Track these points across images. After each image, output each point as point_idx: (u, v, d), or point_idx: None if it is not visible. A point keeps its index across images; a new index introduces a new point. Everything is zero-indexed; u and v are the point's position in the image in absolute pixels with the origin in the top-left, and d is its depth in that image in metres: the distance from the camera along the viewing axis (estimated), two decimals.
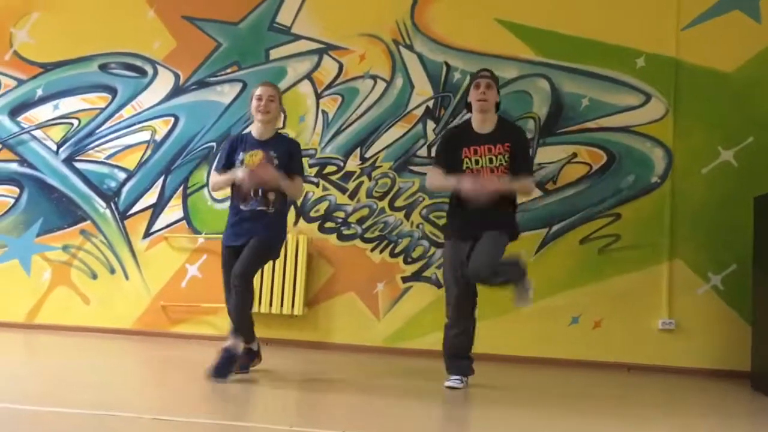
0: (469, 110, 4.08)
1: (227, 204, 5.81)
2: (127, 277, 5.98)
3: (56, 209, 6.15)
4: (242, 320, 3.83)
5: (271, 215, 3.92)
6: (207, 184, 5.93)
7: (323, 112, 5.88)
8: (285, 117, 4.26)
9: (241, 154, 3.95)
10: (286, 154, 3.98)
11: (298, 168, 4.07)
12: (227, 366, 3.71)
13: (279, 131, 4.14)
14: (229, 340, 3.80)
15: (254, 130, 4.05)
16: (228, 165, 3.99)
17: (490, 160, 3.80)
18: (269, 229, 3.91)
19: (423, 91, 5.78)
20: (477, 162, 3.82)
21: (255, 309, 5.55)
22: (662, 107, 5.48)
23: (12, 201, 6.22)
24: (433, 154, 5.66)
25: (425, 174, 5.63)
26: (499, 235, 3.81)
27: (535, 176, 4.04)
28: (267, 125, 4.01)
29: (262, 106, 3.96)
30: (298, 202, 5.73)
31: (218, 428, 2.68)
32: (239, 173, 3.86)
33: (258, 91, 4.02)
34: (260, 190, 3.88)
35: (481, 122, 3.91)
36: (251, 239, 3.85)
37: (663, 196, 5.41)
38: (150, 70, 6.17)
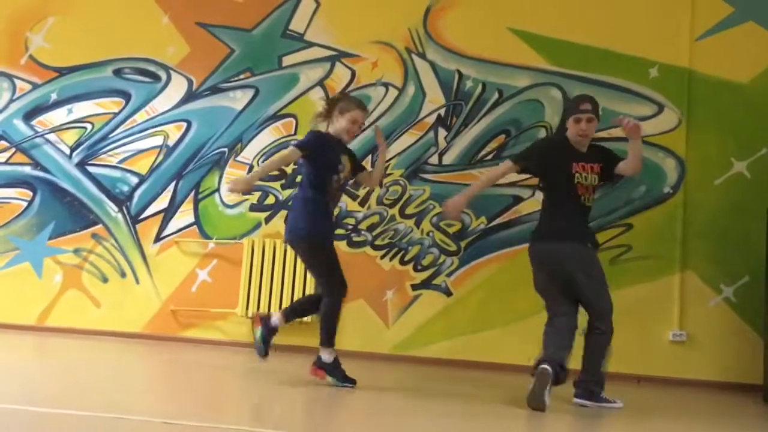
0: (563, 132, 4.11)
1: (238, 209, 5.93)
2: (137, 281, 6.00)
3: (68, 213, 6.18)
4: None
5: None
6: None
7: None
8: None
9: (342, 156, 4.01)
10: (355, 159, 4.21)
11: (362, 166, 4.37)
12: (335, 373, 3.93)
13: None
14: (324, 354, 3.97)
15: (339, 138, 4.04)
16: (313, 157, 3.92)
17: (594, 180, 3.93)
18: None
19: (435, 99, 5.79)
20: (586, 179, 3.92)
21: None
22: (675, 117, 5.46)
23: (25, 204, 6.26)
24: (445, 162, 5.69)
25: (436, 182, 5.68)
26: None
27: None
28: (349, 140, 4.11)
29: (353, 131, 4.03)
30: None
31: None
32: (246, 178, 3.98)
33: (357, 116, 4.00)
34: (341, 195, 4.15)
35: (580, 145, 3.99)
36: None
37: (675, 207, 5.38)
38: (163, 76, 6.21)
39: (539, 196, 5.48)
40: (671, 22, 5.54)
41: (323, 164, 3.93)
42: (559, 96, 5.61)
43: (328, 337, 3.91)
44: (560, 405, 3.94)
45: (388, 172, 5.75)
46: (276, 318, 3.97)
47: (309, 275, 5.53)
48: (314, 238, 3.92)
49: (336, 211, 5.70)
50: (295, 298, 5.57)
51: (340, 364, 3.90)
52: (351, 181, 4.30)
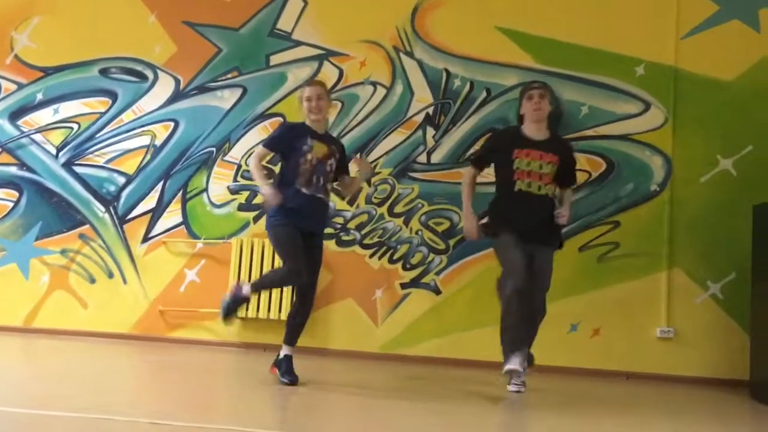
0: (521, 122, 4.25)
1: (226, 209, 5.91)
2: (125, 282, 5.98)
3: (55, 213, 6.15)
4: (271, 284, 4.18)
5: (326, 205, 4.07)
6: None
7: None
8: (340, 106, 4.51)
9: (309, 138, 3.95)
10: (342, 152, 4.17)
11: (347, 166, 4.30)
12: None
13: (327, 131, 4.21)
14: (284, 350, 3.98)
15: (311, 126, 4.04)
16: (286, 149, 3.97)
17: (540, 167, 3.94)
18: (325, 221, 4.16)
19: (423, 98, 5.79)
20: (528, 165, 3.95)
21: (252, 315, 5.58)
22: (661, 115, 5.50)
23: (11, 204, 6.22)
24: (433, 160, 5.70)
25: (424, 180, 5.69)
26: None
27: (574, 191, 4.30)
28: (321, 123, 4.05)
29: (314, 107, 3.99)
30: None
31: None
32: (265, 189, 3.86)
33: (306, 93, 4.02)
34: (323, 179, 3.97)
35: (536, 131, 4.06)
36: (314, 240, 3.98)
37: (662, 205, 5.41)
38: (150, 75, 6.18)
39: None
40: (657, 21, 5.57)
41: (289, 152, 3.97)
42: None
43: (259, 282, 4.10)
44: (547, 402, 3.95)
45: (377, 171, 5.75)
46: (246, 288, 3.96)
47: None
48: (272, 222, 3.93)
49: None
50: (284, 298, 5.57)
51: (246, 300, 3.99)
52: (330, 167, 4.05)
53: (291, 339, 3.99)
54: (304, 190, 3.93)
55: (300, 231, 3.89)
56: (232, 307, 3.95)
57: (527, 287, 3.82)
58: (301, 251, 3.85)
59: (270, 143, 4.03)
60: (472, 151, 5.60)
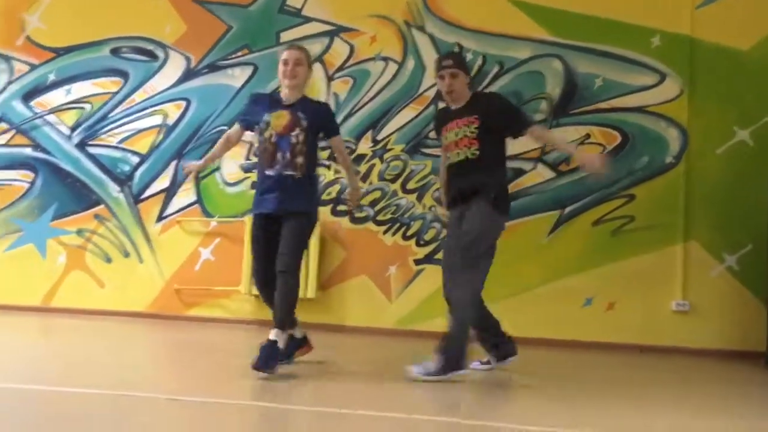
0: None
1: (239, 187, 5.92)
2: (141, 261, 6.02)
3: (70, 193, 6.19)
4: (289, 308, 3.56)
5: (299, 180, 3.64)
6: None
7: (334, 94, 5.86)
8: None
9: (265, 114, 3.70)
10: (317, 115, 3.76)
11: (335, 128, 3.92)
12: (272, 358, 3.36)
13: (306, 96, 3.86)
14: (271, 334, 3.44)
15: (282, 93, 3.79)
16: (249, 123, 3.81)
17: (456, 134, 3.74)
18: (298, 198, 3.63)
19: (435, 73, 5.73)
20: (447, 138, 3.80)
21: None
22: (677, 87, 5.42)
23: (27, 186, 6.26)
24: None
25: (437, 156, 5.65)
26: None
27: (536, 123, 3.97)
28: (294, 90, 3.74)
29: (288, 71, 3.71)
30: None
31: (232, 408, 2.70)
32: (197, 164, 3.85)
33: (284, 55, 3.76)
34: (287, 153, 3.62)
35: (456, 102, 3.84)
36: (286, 221, 3.60)
37: (677, 177, 5.36)
38: (161, 54, 6.17)
39: (541, 168, 5.53)
40: None
41: (254, 129, 3.80)
42: (561, 67, 5.57)
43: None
44: (562, 375, 3.96)
45: (389, 147, 5.73)
46: (275, 334, 3.47)
47: (309, 252, 5.52)
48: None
49: (337, 188, 5.75)
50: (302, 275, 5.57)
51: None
52: (297, 138, 3.66)
53: (275, 321, 3.53)
54: (268, 172, 3.66)
55: (268, 219, 3.64)
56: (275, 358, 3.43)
57: None
58: (261, 250, 3.65)
59: (240, 117, 3.90)
60: None
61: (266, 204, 3.66)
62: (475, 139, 3.68)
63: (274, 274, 3.57)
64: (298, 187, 3.64)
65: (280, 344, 3.45)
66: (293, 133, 3.65)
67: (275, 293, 3.56)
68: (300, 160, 3.64)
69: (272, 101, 3.79)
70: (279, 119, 3.67)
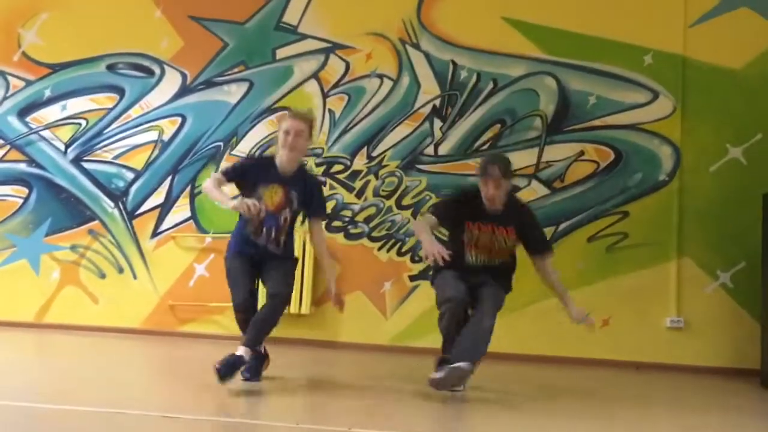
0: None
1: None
2: (135, 277, 6.00)
3: (64, 209, 6.17)
4: (268, 331, 3.60)
5: (281, 257, 3.73)
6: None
7: (330, 111, 5.89)
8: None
9: (260, 186, 3.70)
10: (308, 193, 3.78)
11: (322, 209, 3.93)
12: (235, 368, 3.42)
13: (303, 165, 3.89)
14: (240, 350, 3.47)
15: (278, 160, 3.75)
16: (240, 181, 3.76)
17: (491, 239, 3.84)
18: (281, 256, 3.75)
19: (430, 90, 5.78)
20: (477, 238, 3.83)
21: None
22: (670, 104, 5.46)
23: (21, 201, 6.25)
24: (440, 152, 5.69)
25: (432, 173, 5.68)
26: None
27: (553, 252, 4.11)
28: (292, 161, 3.73)
29: (289, 142, 3.67)
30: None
31: (226, 426, 2.69)
32: (232, 204, 3.56)
33: (286, 124, 3.71)
34: (273, 230, 3.69)
35: (490, 206, 3.88)
36: (271, 260, 3.69)
37: (671, 194, 5.39)
38: (157, 70, 6.19)
39: (535, 184, 5.55)
40: (665, 9, 5.53)
41: (244, 188, 3.74)
42: (554, 85, 5.61)
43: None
44: (557, 392, 3.95)
45: (384, 163, 5.75)
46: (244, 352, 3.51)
47: (303, 267, 5.53)
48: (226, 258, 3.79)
49: (332, 204, 5.76)
50: (297, 292, 5.56)
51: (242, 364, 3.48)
52: (285, 219, 3.74)
53: (248, 339, 3.55)
54: (251, 237, 3.70)
55: (252, 258, 3.69)
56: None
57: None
58: (243, 279, 3.65)
59: (228, 170, 3.75)
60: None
61: (249, 250, 3.72)
62: (508, 250, 3.89)
63: (254, 303, 3.66)
64: (282, 261, 3.75)
65: (246, 358, 3.47)
66: (283, 213, 3.72)
67: (258, 314, 3.60)
68: (284, 237, 3.74)
69: (268, 169, 3.73)
70: (272, 196, 3.68)
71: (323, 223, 3.91)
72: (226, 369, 3.35)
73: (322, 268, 3.87)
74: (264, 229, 3.69)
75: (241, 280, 3.69)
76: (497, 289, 3.84)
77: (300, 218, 3.94)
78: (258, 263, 3.74)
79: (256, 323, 3.56)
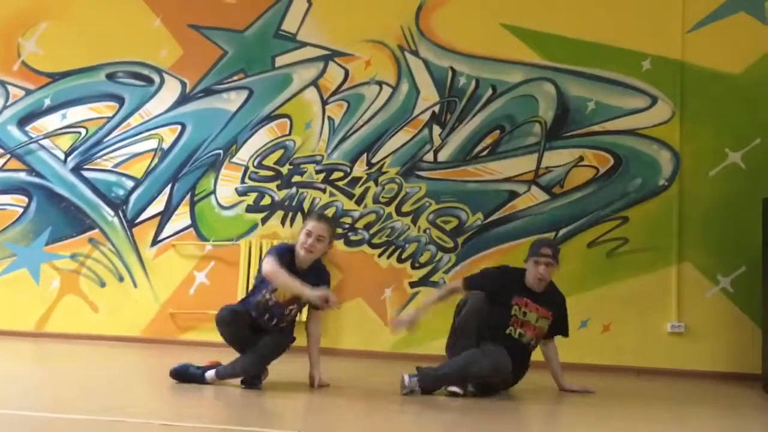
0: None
1: (234, 211, 5.92)
2: (135, 285, 6.00)
3: (64, 218, 6.18)
4: (237, 376, 3.72)
5: (280, 331, 3.80)
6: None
7: (329, 118, 5.90)
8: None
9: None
10: (317, 283, 3.72)
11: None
12: (181, 377, 3.74)
13: (319, 260, 3.87)
14: (209, 375, 3.73)
15: (296, 256, 3.76)
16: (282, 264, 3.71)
17: (535, 319, 3.94)
18: (282, 335, 3.81)
19: (429, 96, 5.79)
20: (525, 314, 3.93)
21: None
22: (669, 110, 5.47)
23: (21, 210, 6.25)
24: (440, 159, 5.69)
25: (432, 179, 5.68)
26: None
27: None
28: (307, 260, 3.76)
29: (308, 244, 3.69)
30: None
31: None
32: (314, 294, 3.57)
33: (309, 226, 3.72)
34: (275, 319, 3.75)
35: (537, 287, 3.99)
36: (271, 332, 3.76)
37: (670, 199, 5.39)
38: (157, 79, 6.20)
39: (535, 190, 5.55)
40: (663, 15, 5.54)
41: (262, 277, 3.74)
42: (553, 91, 5.62)
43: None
44: (559, 398, 3.95)
45: (383, 170, 5.76)
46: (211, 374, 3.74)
47: None
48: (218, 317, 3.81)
49: (332, 211, 5.76)
50: None
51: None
52: (290, 311, 3.80)
53: (223, 368, 3.74)
54: (254, 315, 3.75)
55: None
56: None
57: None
58: (243, 333, 3.72)
59: (277, 254, 3.72)
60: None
61: (247, 319, 3.76)
62: (544, 332, 4.00)
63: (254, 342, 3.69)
64: (278, 330, 3.79)
65: (208, 381, 3.71)
66: (290, 307, 3.77)
67: (241, 359, 3.72)
68: (284, 324, 3.80)
69: (288, 260, 3.72)
70: (285, 292, 3.70)
71: (322, 314, 3.95)
72: (176, 375, 3.71)
73: (310, 359, 3.88)
74: (267, 316, 3.75)
75: (241, 337, 3.75)
76: (516, 367, 3.85)
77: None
78: (254, 329, 3.76)
79: (235, 366, 3.69)
